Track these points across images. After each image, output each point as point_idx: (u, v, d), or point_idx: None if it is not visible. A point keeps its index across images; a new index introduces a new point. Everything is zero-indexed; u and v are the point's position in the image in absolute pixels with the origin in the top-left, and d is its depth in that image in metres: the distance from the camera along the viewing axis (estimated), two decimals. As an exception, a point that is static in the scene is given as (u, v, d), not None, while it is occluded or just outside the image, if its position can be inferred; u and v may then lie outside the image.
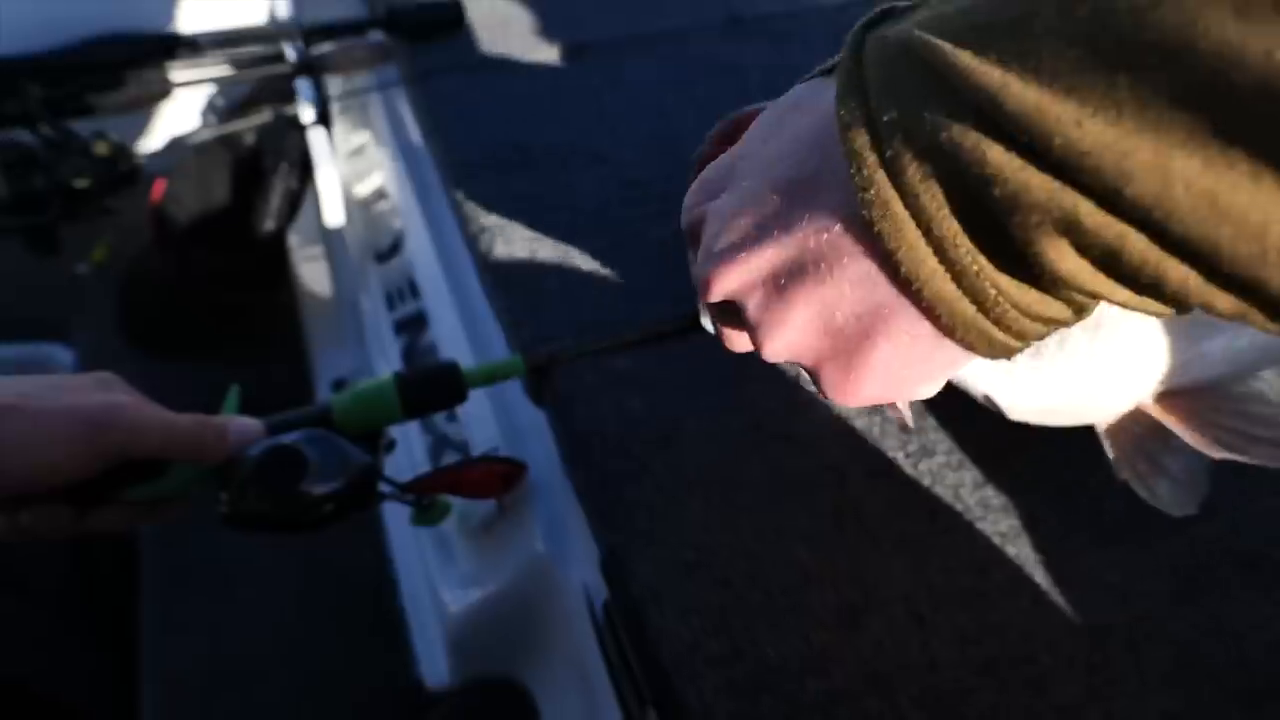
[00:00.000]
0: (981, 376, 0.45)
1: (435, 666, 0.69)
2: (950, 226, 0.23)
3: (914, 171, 0.23)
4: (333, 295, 1.10)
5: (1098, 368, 0.43)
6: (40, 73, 0.88)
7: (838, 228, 0.26)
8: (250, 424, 0.46)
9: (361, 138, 0.99)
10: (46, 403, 0.40)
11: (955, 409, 0.50)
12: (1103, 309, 0.26)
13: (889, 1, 0.26)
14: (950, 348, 0.26)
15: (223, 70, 0.96)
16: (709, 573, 0.45)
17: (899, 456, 0.51)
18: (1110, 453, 0.45)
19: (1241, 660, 0.43)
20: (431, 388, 0.50)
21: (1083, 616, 0.44)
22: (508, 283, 0.62)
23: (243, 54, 0.97)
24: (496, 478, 0.56)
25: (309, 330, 1.17)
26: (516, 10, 0.97)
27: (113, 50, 0.91)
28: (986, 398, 0.46)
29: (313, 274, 1.19)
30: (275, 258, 1.22)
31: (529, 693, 0.63)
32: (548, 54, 0.89)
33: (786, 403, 0.53)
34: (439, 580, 0.66)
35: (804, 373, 0.32)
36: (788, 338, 0.28)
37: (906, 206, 0.23)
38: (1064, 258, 0.22)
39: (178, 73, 0.92)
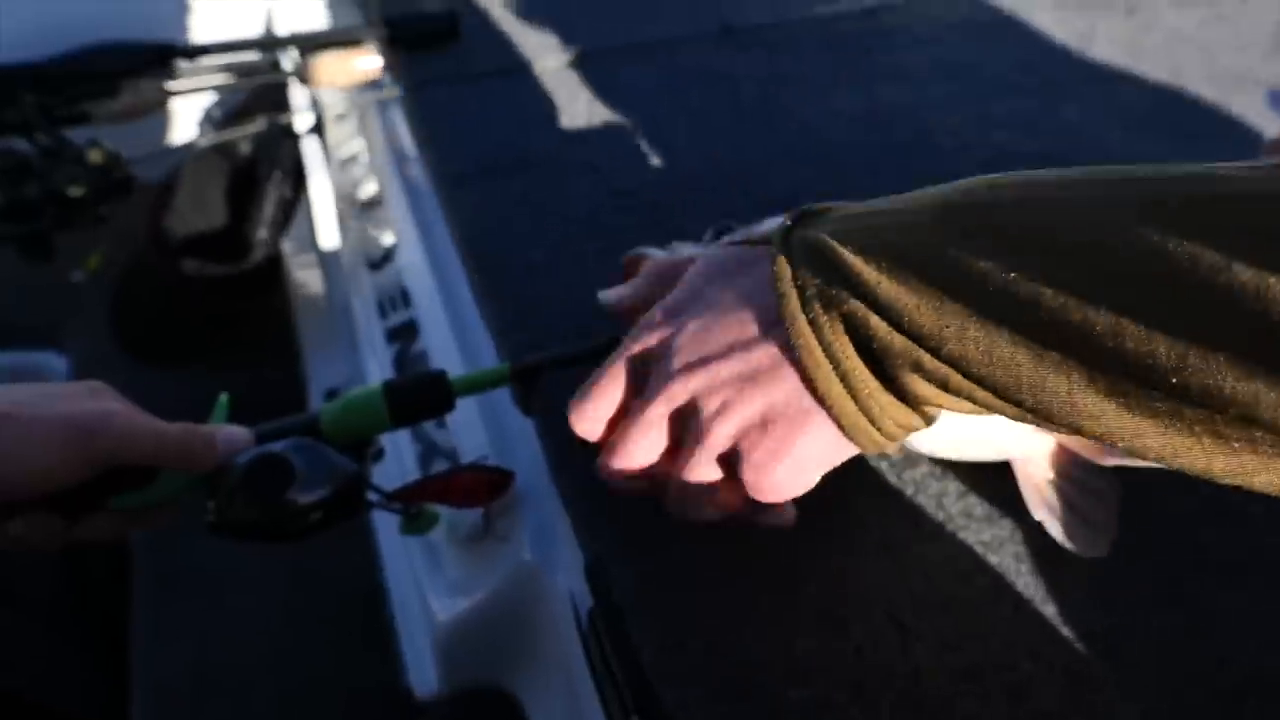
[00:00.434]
0: None
1: (424, 675, 0.68)
2: (852, 364, 0.35)
3: (827, 327, 0.35)
4: (326, 303, 1.10)
5: None
6: (36, 81, 0.88)
7: (780, 356, 0.37)
8: (238, 432, 0.47)
9: (355, 147, 0.99)
10: (40, 410, 0.41)
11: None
12: None
13: None
14: (846, 445, 0.38)
15: (218, 79, 0.97)
16: (692, 581, 0.45)
17: (882, 466, 0.51)
18: (1023, 491, 0.46)
19: (1222, 661, 0.43)
20: (419, 397, 0.49)
21: (1064, 623, 0.44)
22: (497, 291, 0.62)
23: (238, 63, 0.97)
24: (484, 486, 0.56)
25: (302, 338, 1.17)
26: (510, 21, 0.97)
27: (108, 59, 0.91)
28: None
29: (306, 282, 1.19)
30: (269, 266, 1.22)
31: (518, 701, 0.63)
32: (541, 64, 0.89)
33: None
34: (428, 588, 0.66)
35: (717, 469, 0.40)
36: (739, 423, 0.38)
37: (822, 349, 0.35)
38: (918, 385, 0.34)
39: (173, 82, 0.93)
